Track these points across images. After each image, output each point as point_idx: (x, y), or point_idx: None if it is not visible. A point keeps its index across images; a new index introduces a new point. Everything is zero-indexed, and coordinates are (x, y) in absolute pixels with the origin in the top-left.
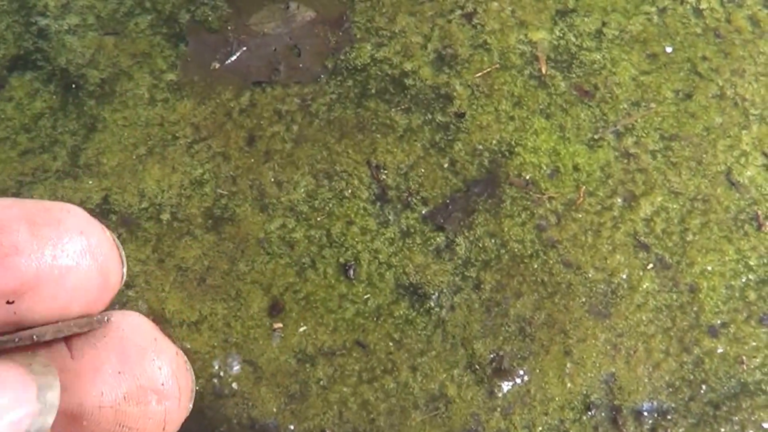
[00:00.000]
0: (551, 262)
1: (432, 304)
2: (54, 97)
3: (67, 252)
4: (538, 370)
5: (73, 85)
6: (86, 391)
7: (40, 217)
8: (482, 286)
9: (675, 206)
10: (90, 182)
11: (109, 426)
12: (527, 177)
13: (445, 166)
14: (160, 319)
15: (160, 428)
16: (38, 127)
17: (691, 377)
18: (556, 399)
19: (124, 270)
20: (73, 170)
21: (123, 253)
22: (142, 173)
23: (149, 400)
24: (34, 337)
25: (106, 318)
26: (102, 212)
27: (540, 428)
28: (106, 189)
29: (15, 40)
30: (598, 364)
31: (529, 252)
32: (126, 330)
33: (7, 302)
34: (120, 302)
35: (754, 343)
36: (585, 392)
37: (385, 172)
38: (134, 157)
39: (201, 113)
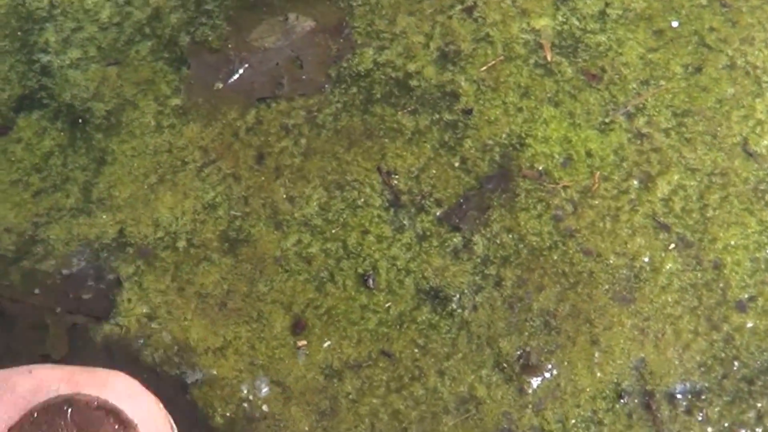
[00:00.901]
0: (571, 251)
1: (454, 306)
2: (62, 133)
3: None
4: (566, 363)
5: (80, 120)
6: None
7: (83, 377)
8: (503, 282)
9: (692, 183)
10: (104, 217)
11: None
12: (540, 168)
13: (456, 165)
14: (185, 348)
15: None
16: (49, 166)
17: (723, 355)
18: (587, 390)
19: None
20: (86, 206)
21: (173, 422)
22: (155, 202)
23: None
24: None
25: None
26: (118, 245)
27: (573, 421)
28: (120, 222)
29: (19, 79)
30: (626, 351)
31: (548, 244)
32: None
33: None
34: (144, 335)
35: None
36: (616, 380)
37: (397, 177)
38: (146, 187)
39: (208, 135)
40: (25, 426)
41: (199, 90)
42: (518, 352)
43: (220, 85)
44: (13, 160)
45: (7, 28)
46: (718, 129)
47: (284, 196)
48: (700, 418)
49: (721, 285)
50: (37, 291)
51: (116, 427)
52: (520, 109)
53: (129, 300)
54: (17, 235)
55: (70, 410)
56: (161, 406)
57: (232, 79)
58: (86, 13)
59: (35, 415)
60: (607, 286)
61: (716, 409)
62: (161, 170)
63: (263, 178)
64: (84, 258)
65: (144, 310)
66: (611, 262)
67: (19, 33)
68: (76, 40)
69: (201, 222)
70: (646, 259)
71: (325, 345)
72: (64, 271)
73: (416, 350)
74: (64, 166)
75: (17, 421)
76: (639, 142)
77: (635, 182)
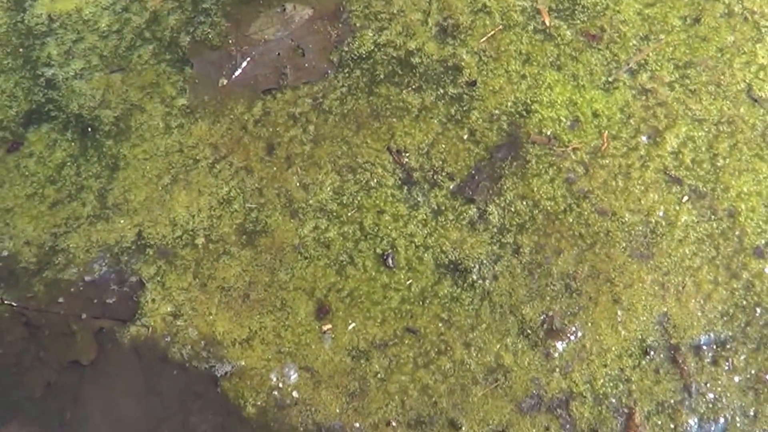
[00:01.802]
0: (586, 213)
1: (475, 278)
2: (73, 144)
3: None
4: (590, 324)
5: (89, 129)
6: None
7: None
8: (521, 250)
9: (701, 134)
10: (122, 221)
11: None
12: (548, 132)
13: (465, 137)
14: (212, 342)
15: None
16: (63, 177)
17: (744, 302)
18: (613, 349)
19: None
20: (103, 213)
21: None
22: (171, 202)
23: None
24: None
25: None
26: (138, 248)
27: (601, 381)
28: (138, 225)
29: (25, 95)
30: (649, 307)
31: (562, 207)
32: None
33: None
34: (171, 333)
35: None
36: (640, 337)
37: (407, 154)
38: (160, 188)
39: (217, 132)
40: None
41: (204, 88)
42: (541, 318)
43: (225, 81)
44: (27, 175)
45: (9, 46)
46: (722, 77)
47: (297, 184)
48: (726, 368)
49: (737, 233)
50: (61, 300)
51: None
52: (523, 76)
53: (153, 300)
54: (37, 247)
55: None
56: None
57: (235, 74)
58: (85, 24)
59: None
60: (624, 244)
61: (742, 357)
62: (174, 170)
63: (275, 169)
64: (105, 263)
65: (168, 309)
66: (627, 219)
67: (21, 50)
68: (78, 51)
69: (217, 217)
70: (661, 214)
71: (350, 327)
72: (87, 278)
73: (440, 324)
74: (78, 176)
75: None
76: (644, 97)
77: (644, 138)
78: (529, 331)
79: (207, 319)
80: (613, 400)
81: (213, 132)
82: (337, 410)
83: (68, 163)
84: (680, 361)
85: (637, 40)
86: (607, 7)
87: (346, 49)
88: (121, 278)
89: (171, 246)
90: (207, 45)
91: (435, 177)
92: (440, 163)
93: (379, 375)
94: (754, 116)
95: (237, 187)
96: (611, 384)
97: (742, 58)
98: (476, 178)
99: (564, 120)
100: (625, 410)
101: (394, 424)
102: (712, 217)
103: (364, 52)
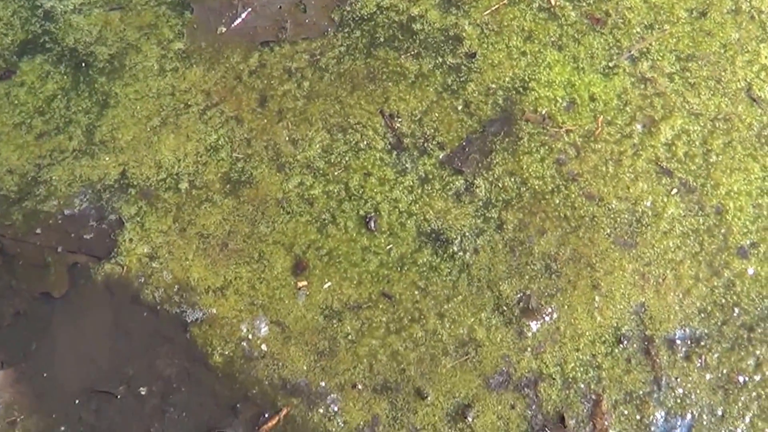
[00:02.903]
0: (573, 195)
1: (455, 249)
2: (65, 77)
3: None
4: (566, 307)
5: (83, 64)
6: None
7: None
8: (505, 226)
9: (696, 128)
10: (107, 158)
11: None
12: (543, 112)
13: (459, 108)
14: (185, 288)
15: None
16: (52, 109)
17: (723, 301)
18: (587, 334)
19: None
20: (89, 148)
21: None
22: (158, 144)
23: None
24: None
25: None
26: (121, 187)
27: (572, 365)
28: (123, 164)
29: (22, 25)
30: (627, 296)
31: (550, 187)
32: None
33: None
34: (145, 274)
35: None
36: (615, 325)
37: (399, 120)
38: (148, 129)
39: (211, 79)
40: None
41: (202, 34)
42: (518, 296)
43: (223, 29)
44: (17, 104)
45: None
46: (723, 74)
47: (287, 138)
48: (699, 364)
49: (723, 231)
50: (38, 231)
51: None
52: (523, 53)
53: (130, 240)
54: (20, 176)
55: None
56: None
57: (235, 23)
58: None
59: None
60: (608, 231)
61: (715, 356)
62: (164, 113)
63: (266, 121)
64: (86, 199)
65: (145, 250)
66: (613, 206)
67: None
68: None
69: (203, 164)
70: (649, 204)
71: (326, 286)
72: (66, 212)
73: (416, 292)
74: (67, 109)
75: None
76: (643, 86)
77: (638, 127)
78: (504, 307)
79: (183, 264)
80: (582, 386)
81: (207, 79)
82: (305, 367)
83: (59, 96)
84: (653, 353)
85: (641, 28)
86: None
87: (348, 8)
88: (100, 215)
89: (154, 188)
90: None
91: (425, 145)
92: (432, 131)
93: (350, 336)
94: (752, 116)
95: (226, 135)
96: (582, 369)
97: (745, 56)
98: (467, 149)
99: (560, 100)
100: (593, 396)
101: (360, 386)
102: (700, 212)
103: (366, 14)
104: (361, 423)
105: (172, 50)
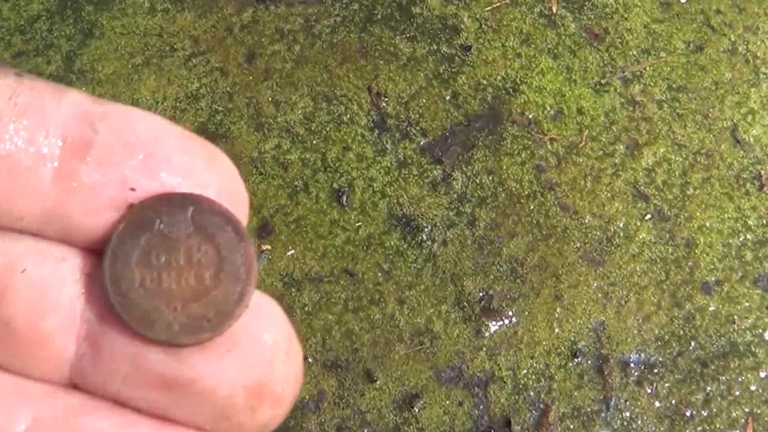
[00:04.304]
0: (548, 204)
1: (424, 237)
2: (52, 0)
3: None
4: (527, 313)
5: None
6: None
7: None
8: (476, 223)
9: (678, 158)
10: (83, 89)
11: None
12: (530, 116)
13: (447, 98)
14: None
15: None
16: (34, 30)
17: (681, 332)
18: (543, 343)
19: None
20: (66, 75)
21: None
22: (137, 83)
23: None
24: None
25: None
26: None
27: (525, 371)
28: (99, 96)
29: None
30: (588, 312)
31: (527, 192)
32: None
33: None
34: None
35: (747, 304)
36: (573, 339)
37: (386, 99)
38: (130, 66)
39: (201, 26)
40: (146, 205)
41: None
42: (481, 294)
43: None
44: None
45: None
46: (711, 110)
47: (270, 99)
48: (649, 391)
49: (690, 264)
50: None
51: (233, 236)
52: (518, 55)
53: None
54: None
55: (191, 209)
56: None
57: None
58: None
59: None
60: (578, 244)
61: (666, 385)
62: (148, 53)
63: (251, 78)
64: None
65: None
66: (586, 221)
67: None
68: None
69: (181, 110)
70: (621, 225)
71: (289, 253)
72: None
73: (380, 274)
74: (50, 32)
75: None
76: (631, 108)
77: (622, 147)
78: (465, 304)
79: None
80: (532, 393)
81: (197, 26)
82: None
83: (43, 17)
84: (606, 373)
85: (638, 51)
86: (616, 11)
87: None
88: None
89: None
90: None
91: (408, 129)
92: (417, 116)
93: (306, 308)
94: (733, 156)
95: (208, 85)
96: (534, 377)
97: (734, 97)
98: (449, 140)
99: (548, 108)
100: (542, 406)
101: (310, 360)
102: (670, 241)
103: None
104: (306, 397)
105: None
